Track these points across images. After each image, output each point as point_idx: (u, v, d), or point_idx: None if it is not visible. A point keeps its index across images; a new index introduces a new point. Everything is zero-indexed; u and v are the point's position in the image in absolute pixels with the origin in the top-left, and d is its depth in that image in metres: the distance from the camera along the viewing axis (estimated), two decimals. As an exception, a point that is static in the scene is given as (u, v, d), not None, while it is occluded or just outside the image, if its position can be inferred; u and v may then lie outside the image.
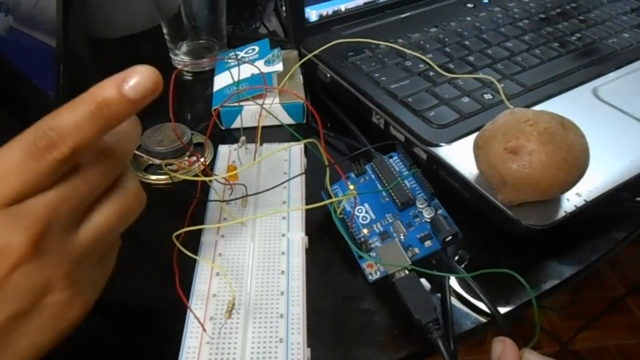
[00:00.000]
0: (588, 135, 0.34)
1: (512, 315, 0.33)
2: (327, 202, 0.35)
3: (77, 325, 0.27)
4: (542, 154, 0.31)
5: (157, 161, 0.42)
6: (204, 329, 0.30)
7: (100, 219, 0.25)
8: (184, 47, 0.57)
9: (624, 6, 0.56)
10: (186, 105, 0.54)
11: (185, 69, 0.56)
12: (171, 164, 0.42)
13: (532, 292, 0.30)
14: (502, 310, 0.32)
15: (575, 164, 0.32)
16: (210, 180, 0.37)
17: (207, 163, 0.43)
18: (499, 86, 0.37)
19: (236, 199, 0.37)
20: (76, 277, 0.25)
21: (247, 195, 0.37)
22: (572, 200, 0.34)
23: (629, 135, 0.39)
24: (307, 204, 0.39)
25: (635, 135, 0.39)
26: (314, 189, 0.40)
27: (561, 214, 0.34)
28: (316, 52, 0.42)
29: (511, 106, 0.35)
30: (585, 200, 0.34)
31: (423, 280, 0.33)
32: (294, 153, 0.42)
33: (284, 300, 0.32)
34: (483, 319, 0.32)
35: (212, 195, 0.38)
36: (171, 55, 0.57)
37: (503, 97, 0.36)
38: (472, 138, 0.37)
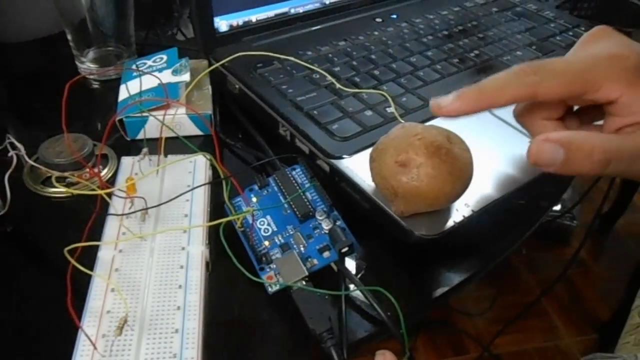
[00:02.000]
0: (478, 148, 0.36)
1: (405, 322, 0.34)
2: (225, 219, 0.35)
3: None
4: (428, 167, 0.33)
5: (56, 173, 0.41)
6: (94, 347, 0.29)
7: None
8: (91, 54, 0.55)
9: (520, 25, 0.60)
10: (93, 114, 0.52)
11: (92, 77, 0.55)
12: (66, 178, 0.40)
13: (401, 312, 0.31)
14: (395, 317, 0.34)
15: (460, 176, 0.34)
16: (109, 194, 0.37)
17: (108, 175, 0.42)
18: (392, 102, 0.39)
19: (135, 211, 0.36)
20: None
21: (146, 209, 0.36)
22: (460, 210, 0.36)
23: (515, 148, 0.41)
24: (211, 216, 0.39)
25: (521, 148, 0.41)
26: (219, 201, 0.40)
27: (450, 223, 0.36)
28: (221, 62, 0.42)
29: (402, 121, 0.36)
30: (472, 210, 0.36)
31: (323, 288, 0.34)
32: (198, 165, 0.42)
33: (180, 315, 0.31)
34: (377, 327, 0.33)
35: (111, 209, 0.37)
36: (77, 62, 0.56)
37: (394, 111, 0.38)
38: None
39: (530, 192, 0.40)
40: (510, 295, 1.28)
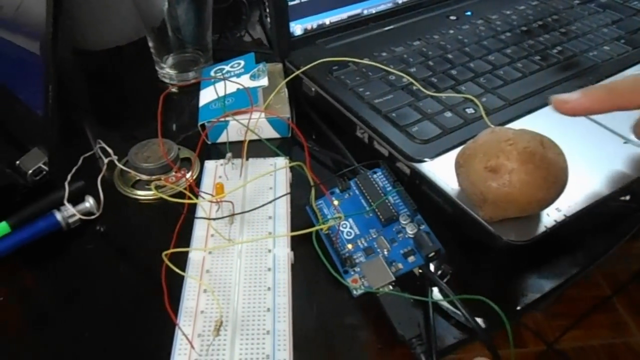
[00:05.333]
0: (568, 150, 0.35)
1: (495, 328, 0.33)
2: (314, 228, 0.36)
3: None
4: (521, 173, 0.32)
5: (145, 177, 0.43)
6: (192, 346, 0.30)
7: None
8: (170, 60, 0.57)
9: (605, 18, 0.57)
10: (171, 117, 0.54)
11: (173, 82, 0.57)
12: (159, 180, 0.42)
13: (505, 316, 0.31)
14: (485, 324, 0.33)
15: (554, 182, 0.33)
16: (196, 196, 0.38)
17: (193, 178, 0.44)
18: (480, 105, 0.38)
19: (223, 217, 0.37)
20: None
21: (233, 214, 0.37)
22: (552, 215, 0.35)
23: (608, 149, 0.40)
24: (292, 218, 0.39)
25: (614, 150, 0.40)
26: (299, 202, 0.40)
27: (541, 229, 0.35)
28: (303, 70, 0.42)
29: (491, 125, 0.36)
30: (565, 216, 0.35)
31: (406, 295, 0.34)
32: (279, 167, 0.42)
33: (270, 316, 0.32)
34: (466, 334, 0.33)
35: (199, 213, 0.38)
36: (157, 68, 0.58)
37: (484, 115, 0.37)
38: (454, 153, 0.38)
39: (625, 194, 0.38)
40: (572, 288, 1.23)
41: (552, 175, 0.32)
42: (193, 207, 0.39)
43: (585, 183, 0.38)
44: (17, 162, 0.42)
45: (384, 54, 0.52)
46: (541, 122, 0.43)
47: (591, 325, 1.20)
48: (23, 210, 0.40)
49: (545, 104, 0.45)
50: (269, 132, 0.48)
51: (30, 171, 0.41)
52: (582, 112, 0.33)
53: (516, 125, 0.42)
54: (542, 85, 0.47)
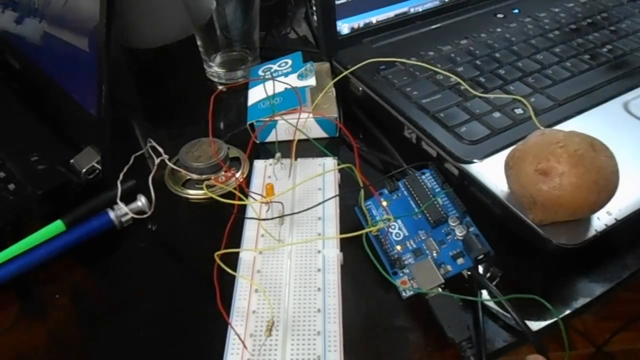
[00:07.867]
0: (619, 152, 0.34)
1: (544, 331, 0.33)
2: (364, 231, 0.36)
3: None
4: (572, 176, 0.32)
5: (195, 176, 0.44)
6: (244, 346, 0.31)
7: None
8: (218, 59, 0.58)
9: (656, 15, 0.56)
10: (218, 115, 0.55)
11: (221, 81, 0.58)
12: (204, 180, 0.43)
13: (558, 316, 0.30)
14: (534, 326, 0.33)
15: (605, 185, 0.32)
16: (247, 197, 0.39)
17: (243, 177, 0.44)
18: (529, 106, 0.38)
19: (273, 218, 0.38)
20: None
21: (283, 215, 0.38)
22: (602, 218, 0.35)
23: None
24: (341, 218, 0.40)
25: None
26: (348, 203, 0.41)
27: (592, 232, 0.34)
28: (351, 70, 0.43)
29: (541, 126, 0.36)
30: (615, 219, 0.35)
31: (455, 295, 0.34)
32: (327, 167, 0.43)
33: (320, 317, 0.33)
34: (515, 337, 0.33)
35: (250, 213, 0.39)
36: (205, 67, 0.59)
37: (533, 117, 0.37)
38: (503, 154, 0.38)
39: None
40: (622, 290, 1.20)
41: (603, 178, 0.32)
42: (243, 206, 0.40)
43: (636, 186, 0.37)
44: (71, 161, 0.43)
45: (430, 53, 0.52)
46: (591, 123, 0.42)
47: (640, 328, 1.17)
48: (77, 209, 0.41)
49: (595, 104, 0.45)
50: (317, 132, 0.48)
51: (84, 170, 0.43)
52: None
53: (566, 126, 0.42)
54: (592, 85, 0.46)
